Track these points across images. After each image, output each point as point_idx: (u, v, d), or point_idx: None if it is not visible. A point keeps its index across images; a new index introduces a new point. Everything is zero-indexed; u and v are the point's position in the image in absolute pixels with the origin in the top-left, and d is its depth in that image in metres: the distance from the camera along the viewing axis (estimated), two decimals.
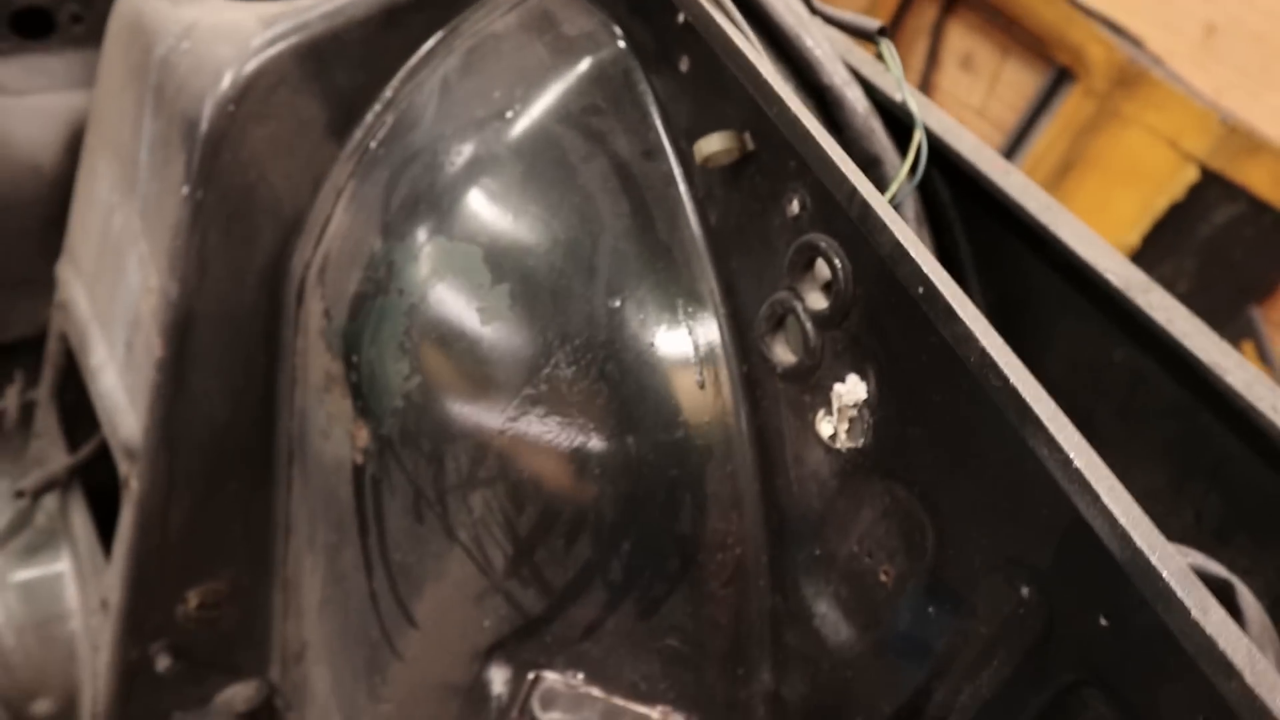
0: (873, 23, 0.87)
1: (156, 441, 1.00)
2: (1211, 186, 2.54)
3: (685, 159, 0.78)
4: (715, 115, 0.74)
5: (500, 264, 0.79)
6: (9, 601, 1.29)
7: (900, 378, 0.60)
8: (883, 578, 0.63)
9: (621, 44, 0.84)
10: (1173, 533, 0.50)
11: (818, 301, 0.66)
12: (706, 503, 0.75)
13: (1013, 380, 0.53)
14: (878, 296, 0.61)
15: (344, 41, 0.92)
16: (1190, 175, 2.54)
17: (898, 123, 0.87)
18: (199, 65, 0.93)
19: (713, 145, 0.71)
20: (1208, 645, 0.45)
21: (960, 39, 2.98)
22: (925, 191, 0.90)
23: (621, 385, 0.75)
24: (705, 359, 0.75)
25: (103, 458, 1.18)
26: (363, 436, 0.87)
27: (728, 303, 0.75)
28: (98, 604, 1.19)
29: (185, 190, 0.92)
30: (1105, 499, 0.49)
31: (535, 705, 0.81)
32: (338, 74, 0.93)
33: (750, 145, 0.71)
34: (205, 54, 0.94)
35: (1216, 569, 0.61)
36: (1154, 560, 0.47)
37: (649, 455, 0.75)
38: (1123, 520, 0.49)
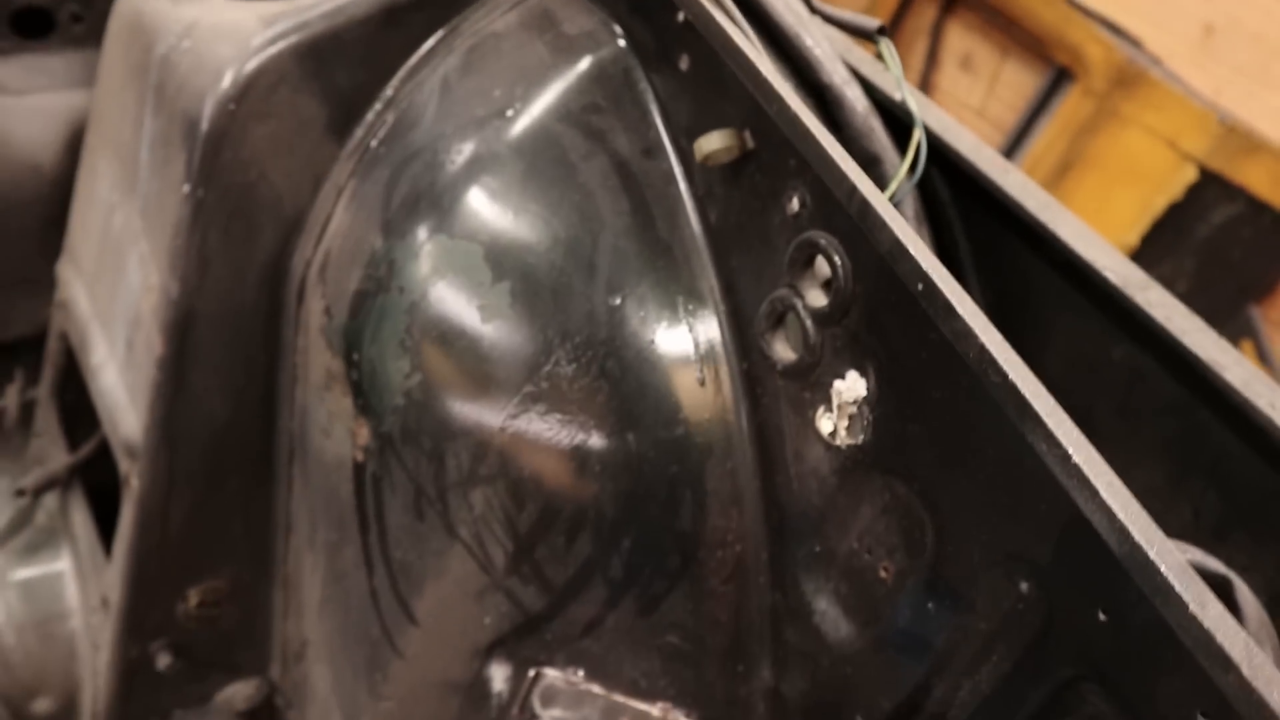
0: (872, 22, 0.87)
1: (157, 440, 1.00)
2: (1210, 186, 2.54)
3: (685, 157, 0.78)
4: (715, 113, 0.74)
5: (501, 262, 0.79)
6: (9, 600, 1.29)
7: (900, 374, 0.61)
8: (882, 574, 0.63)
9: (621, 43, 0.84)
10: (1171, 529, 0.51)
11: (818, 299, 0.66)
12: (707, 500, 0.75)
13: (1012, 377, 0.53)
14: (877, 294, 0.61)
15: (344, 41, 0.92)
16: (1189, 175, 2.54)
17: (897, 122, 0.88)
18: (199, 64, 0.94)
19: (713, 143, 0.71)
20: (1205, 639, 0.45)
21: (960, 39, 2.98)
22: (924, 190, 0.90)
23: (622, 383, 0.75)
24: (705, 356, 0.75)
25: (103, 456, 1.18)
26: (363, 434, 0.87)
27: (728, 300, 0.75)
28: (98, 602, 1.20)
29: (186, 189, 0.93)
30: (1104, 494, 0.49)
31: (536, 702, 0.81)
32: (338, 73, 0.93)
33: (750, 143, 0.71)
34: (206, 53, 0.94)
35: (1215, 565, 0.61)
36: (1152, 555, 0.48)
37: (649, 452, 0.75)
38: (1121, 515, 0.49)
